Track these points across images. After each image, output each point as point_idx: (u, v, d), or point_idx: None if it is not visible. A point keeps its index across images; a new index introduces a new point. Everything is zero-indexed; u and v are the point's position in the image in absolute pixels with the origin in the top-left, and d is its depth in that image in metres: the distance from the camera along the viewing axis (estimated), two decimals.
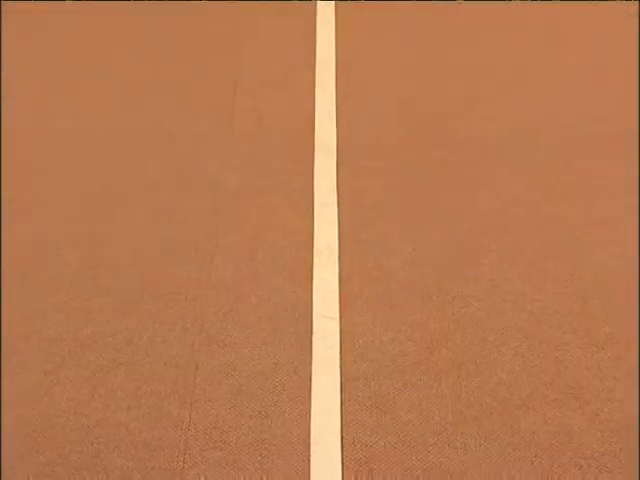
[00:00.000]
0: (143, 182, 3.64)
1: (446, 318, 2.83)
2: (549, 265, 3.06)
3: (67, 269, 3.06)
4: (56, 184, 3.65)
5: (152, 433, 2.41)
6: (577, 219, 3.29)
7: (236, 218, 3.34)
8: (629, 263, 3.06)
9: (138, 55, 5.09)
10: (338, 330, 2.77)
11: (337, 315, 2.83)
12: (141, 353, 2.70)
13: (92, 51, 5.19)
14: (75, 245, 3.20)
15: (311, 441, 2.39)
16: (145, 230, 3.27)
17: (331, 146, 3.79)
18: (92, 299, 2.91)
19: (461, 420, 2.46)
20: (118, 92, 4.52)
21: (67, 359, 2.67)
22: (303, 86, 4.30)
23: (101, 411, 2.49)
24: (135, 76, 4.69)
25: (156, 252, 3.16)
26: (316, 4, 5.40)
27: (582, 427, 2.44)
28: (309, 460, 2.35)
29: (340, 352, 2.69)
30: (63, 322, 2.81)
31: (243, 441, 2.40)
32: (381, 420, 2.46)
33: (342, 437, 2.41)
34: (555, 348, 2.72)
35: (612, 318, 2.83)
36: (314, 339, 2.73)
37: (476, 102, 4.24)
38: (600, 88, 4.38)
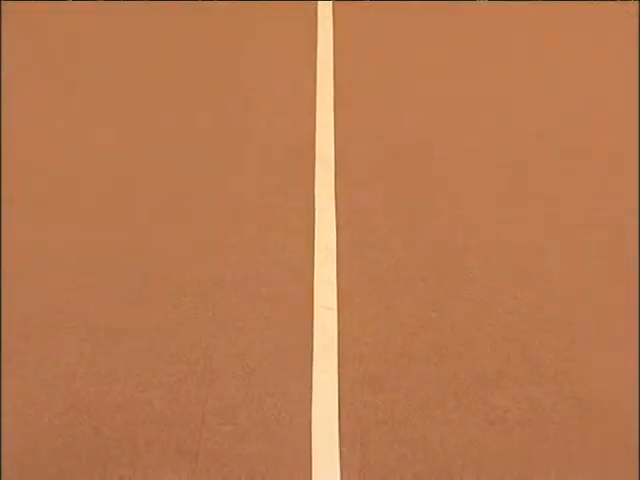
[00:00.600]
0: (148, 182, 3.98)
1: (430, 309, 3.19)
2: (526, 267, 3.42)
3: (92, 262, 3.43)
4: (55, 185, 3.97)
5: (174, 409, 2.77)
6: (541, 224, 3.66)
7: (243, 220, 3.69)
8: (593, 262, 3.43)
9: (138, 56, 5.31)
10: (336, 319, 3.12)
11: (335, 306, 3.19)
12: (165, 340, 3.06)
13: (92, 51, 5.39)
14: (80, 244, 3.55)
15: (312, 415, 2.74)
16: (151, 233, 3.62)
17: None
18: (113, 291, 3.29)
19: (442, 396, 2.81)
20: (117, 92, 4.75)
21: (102, 346, 3.04)
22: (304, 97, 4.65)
23: (128, 389, 2.85)
24: (135, 78, 4.93)
25: (164, 248, 3.51)
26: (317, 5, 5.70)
27: (546, 402, 2.80)
28: (310, 432, 2.70)
29: (338, 338, 3.04)
30: (100, 312, 3.18)
31: (252, 416, 2.76)
32: (373, 397, 2.81)
33: (339, 412, 2.77)
34: (522, 334, 3.09)
35: (575, 313, 3.20)
36: (315, 326, 3.09)
37: (471, 112, 4.57)
38: (599, 103, 4.64)
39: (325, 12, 5.83)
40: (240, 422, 2.72)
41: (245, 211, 3.72)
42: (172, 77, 4.91)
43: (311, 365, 2.94)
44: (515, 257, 3.46)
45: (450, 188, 3.87)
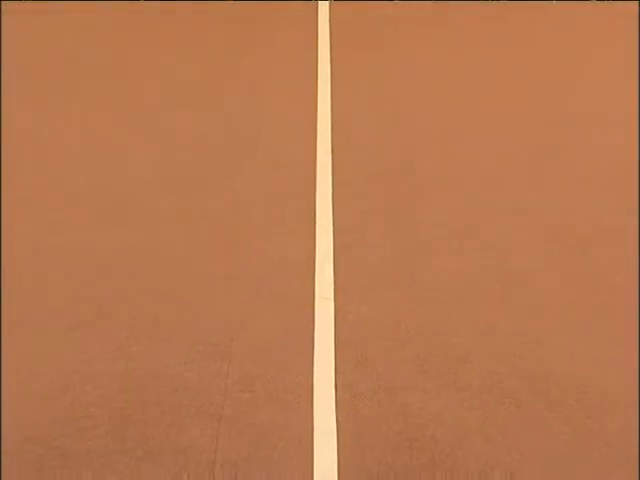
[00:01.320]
0: (155, 184, 4.57)
1: (413, 298, 3.81)
2: (499, 265, 4.04)
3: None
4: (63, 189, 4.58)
5: (201, 381, 3.37)
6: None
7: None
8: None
9: (139, 59, 5.61)
10: (333, 308, 3.75)
11: (332, 297, 3.81)
12: (192, 325, 3.68)
13: (94, 53, 5.64)
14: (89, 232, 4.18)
15: (313, 385, 3.35)
16: (165, 252, 4.25)
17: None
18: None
19: (421, 371, 3.43)
20: (119, 96, 5.07)
21: (144, 330, 3.66)
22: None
23: (166, 365, 3.48)
24: (135, 82, 5.27)
25: (183, 245, 4.13)
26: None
27: (508, 375, 3.41)
28: (312, 400, 3.31)
29: (334, 323, 3.66)
30: (140, 304, 3.82)
31: (266, 386, 3.37)
32: (363, 371, 3.42)
33: (335, 384, 3.37)
34: (489, 316, 3.73)
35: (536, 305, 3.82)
36: (316, 314, 3.73)
37: (464, 128, 5.17)
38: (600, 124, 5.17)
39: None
40: (256, 390, 3.34)
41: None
42: (178, 83, 5.39)
43: (312, 345, 3.56)
44: (490, 257, 4.08)
45: (436, 198, 4.50)
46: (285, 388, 3.36)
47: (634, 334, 3.59)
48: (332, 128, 5.19)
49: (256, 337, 3.62)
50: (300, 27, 6.86)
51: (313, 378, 3.40)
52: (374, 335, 3.64)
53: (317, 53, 6.17)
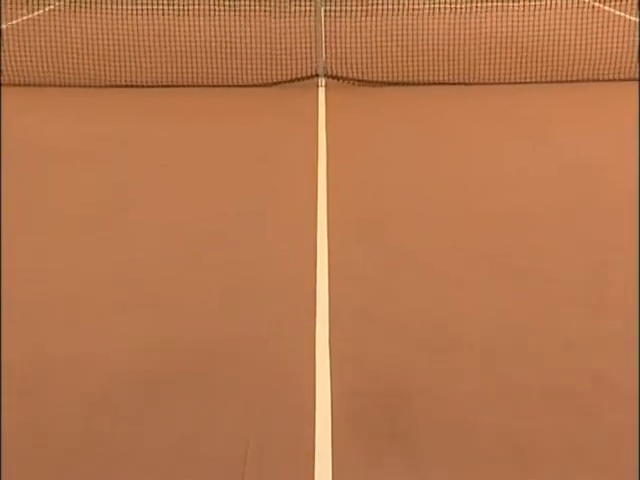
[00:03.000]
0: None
1: (394, 292, 4.89)
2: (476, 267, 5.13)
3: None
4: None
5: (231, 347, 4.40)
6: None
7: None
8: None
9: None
10: (327, 295, 4.83)
11: (327, 285, 4.92)
12: (224, 305, 4.75)
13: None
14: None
15: (315, 336, 4.37)
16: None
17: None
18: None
19: (405, 341, 4.42)
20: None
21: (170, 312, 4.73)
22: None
23: (213, 332, 4.49)
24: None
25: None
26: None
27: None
28: (314, 356, 4.26)
29: (329, 306, 4.71)
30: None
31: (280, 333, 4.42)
32: (353, 348, 4.35)
33: (329, 337, 4.37)
34: (456, 288, 4.79)
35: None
36: (317, 299, 4.78)
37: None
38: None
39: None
40: (272, 338, 4.40)
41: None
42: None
43: (314, 314, 4.60)
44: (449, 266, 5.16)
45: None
46: (295, 335, 4.38)
47: None
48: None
49: (272, 303, 4.68)
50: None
51: (315, 332, 4.43)
52: (364, 320, 4.57)
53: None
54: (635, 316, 4.54)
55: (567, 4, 11.61)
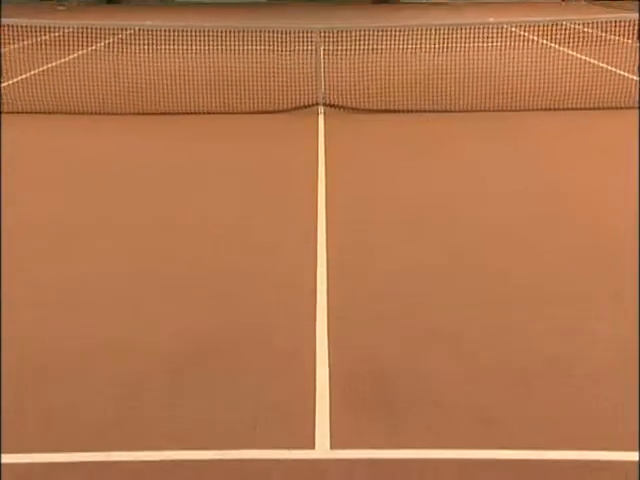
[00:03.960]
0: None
1: (385, 285, 5.59)
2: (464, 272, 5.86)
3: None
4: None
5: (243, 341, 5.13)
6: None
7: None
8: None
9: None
10: (325, 292, 5.56)
11: (325, 285, 5.63)
12: (229, 305, 5.49)
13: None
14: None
15: (316, 317, 5.12)
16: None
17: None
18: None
19: (391, 331, 5.10)
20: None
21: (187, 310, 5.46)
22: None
23: (227, 322, 5.21)
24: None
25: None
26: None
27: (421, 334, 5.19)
28: (314, 342, 4.94)
29: (327, 297, 5.42)
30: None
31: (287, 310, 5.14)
32: (348, 335, 5.07)
33: (328, 337, 5.03)
34: (441, 285, 5.47)
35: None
36: (317, 290, 5.50)
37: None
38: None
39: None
40: (280, 327, 5.11)
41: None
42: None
43: (315, 307, 5.29)
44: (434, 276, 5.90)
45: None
46: (298, 310, 5.08)
47: None
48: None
49: (279, 290, 5.41)
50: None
51: (316, 309, 5.16)
52: (357, 310, 5.23)
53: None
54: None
55: (530, 46, 12.80)
